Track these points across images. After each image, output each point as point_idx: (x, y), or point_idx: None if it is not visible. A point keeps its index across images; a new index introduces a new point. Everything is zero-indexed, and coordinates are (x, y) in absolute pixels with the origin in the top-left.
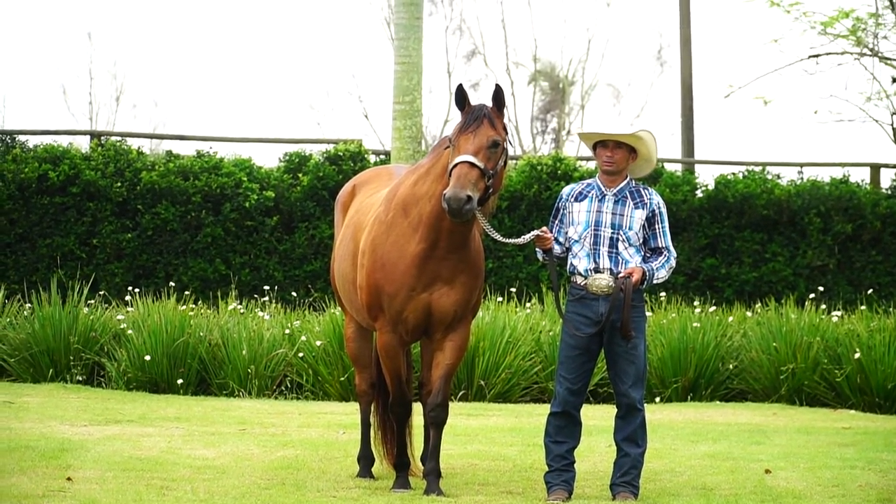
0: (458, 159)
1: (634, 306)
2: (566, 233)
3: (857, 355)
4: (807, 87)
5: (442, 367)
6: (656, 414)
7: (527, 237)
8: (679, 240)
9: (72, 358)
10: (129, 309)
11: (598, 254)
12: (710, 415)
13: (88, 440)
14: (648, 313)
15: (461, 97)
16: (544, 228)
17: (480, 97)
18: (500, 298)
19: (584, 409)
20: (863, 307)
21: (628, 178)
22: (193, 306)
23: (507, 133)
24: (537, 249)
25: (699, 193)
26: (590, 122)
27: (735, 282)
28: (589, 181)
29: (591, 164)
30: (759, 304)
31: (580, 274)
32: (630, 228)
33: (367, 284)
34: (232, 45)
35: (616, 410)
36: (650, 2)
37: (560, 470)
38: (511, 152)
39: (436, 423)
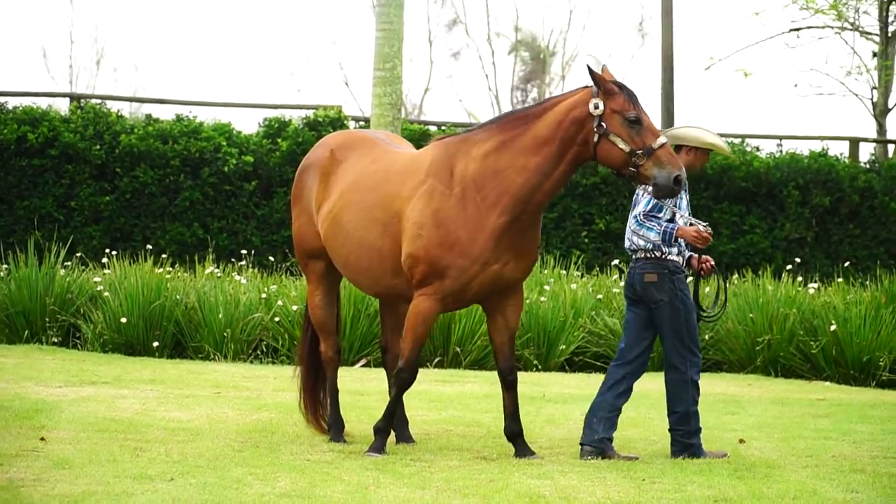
0: (661, 140)
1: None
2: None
3: (832, 327)
4: (787, 61)
5: (508, 331)
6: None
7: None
8: None
9: (48, 319)
10: (106, 271)
11: None
12: None
13: (63, 401)
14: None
15: (592, 75)
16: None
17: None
18: None
19: (559, 378)
20: (839, 280)
21: None
22: (170, 269)
23: None
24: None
25: None
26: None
27: (713, 253)
28: None
29: None
30: (737, 276)
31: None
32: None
33: (429, 256)
34: (214, 11)
35: None
36: None
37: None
38: None
39: (514, 385)
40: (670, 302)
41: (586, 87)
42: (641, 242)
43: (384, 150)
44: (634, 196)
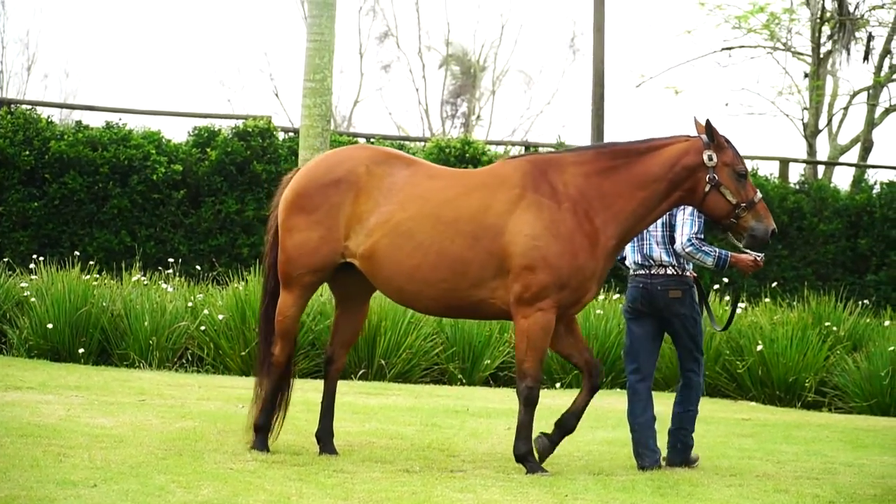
0: (760, 195)
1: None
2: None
3: (759, 347)
4: (718, 80)
5: (585, 343)
6: (556, 399)
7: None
8: None
9: None
10: (33, 277)
11: None
12: (611, 402)
13: None
14: None
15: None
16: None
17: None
18: None
19: (485, 392)
20: (767, 300)
21: None
22: (97, 276)
23: None
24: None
25: None
26: None
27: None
28: None
29: (500, 149)
30: None
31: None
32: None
33: (550, 266)
34: (146, 20)
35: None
36: None
37: None
38: (420, 134)
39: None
40: (691, 315)
41: (689, 136)
42: (679, 261)
43: (430, 166)
44: (668, 216)
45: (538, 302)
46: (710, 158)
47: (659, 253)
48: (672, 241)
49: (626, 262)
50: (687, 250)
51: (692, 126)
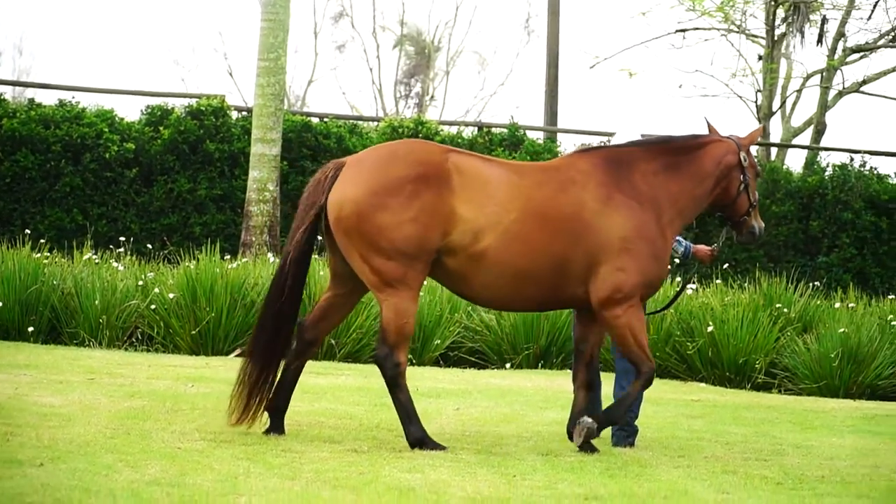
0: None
1: None
2: None
3: (709, 329)
4: (673, 62)
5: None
6: (506, 380)
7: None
8: None
9: None
10: None
11: None
12: (560, 383)
13: None
14: None
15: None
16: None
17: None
18: None
19: (434, 373)
20: (718, 281)
21: None
22: (48, 255)
23: None
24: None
25: None
26: None
27: None
28: None
29: (454, 129)
30: None
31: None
32: None
33: (642, 269)
34: None
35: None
36: None
37: None
38: (373, 114)
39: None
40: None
41: (722, 137)
42: None
43: (504, 161)
44: None
45: (629, 301)
46: (744, 160)
47: None
48: None
49: None
50: None
51: (650, 108)
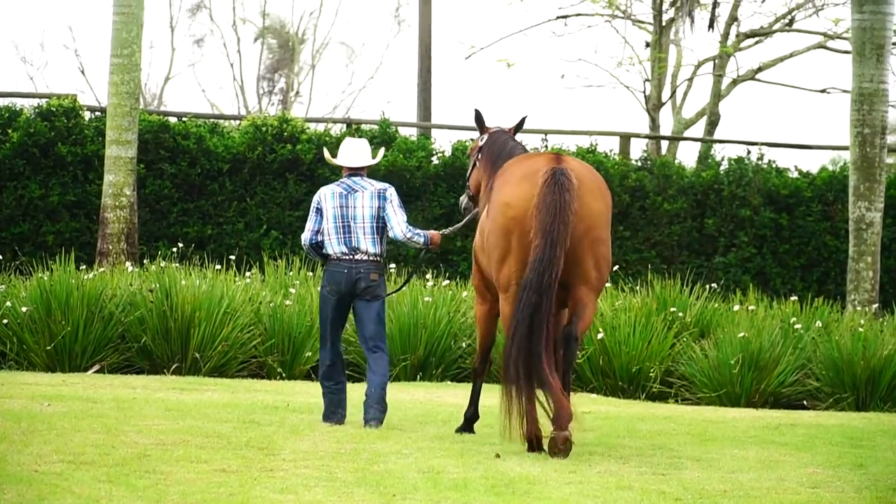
0: None
1: None
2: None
3: (600, 336)
4: (554, 51)
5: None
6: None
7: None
8: (413, 209)
9: None
10: None
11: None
12: (441, 395)
13: None
14: None
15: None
16: None
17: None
18: (217, 266)
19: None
20: (608, 285)
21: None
22: None
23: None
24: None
25: (435, 160)
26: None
27: (470, 255)
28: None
29: (321, 127)
30: None
31: None
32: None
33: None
34: None
35: None
36: None
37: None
38: (235, 112)
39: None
40: (384, 296)
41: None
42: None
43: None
44: (385, 202)
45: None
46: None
47: (366, 244)
48: (380, 231)
49: (329, 251)
50: (407, 235)
51: (531, 100)
